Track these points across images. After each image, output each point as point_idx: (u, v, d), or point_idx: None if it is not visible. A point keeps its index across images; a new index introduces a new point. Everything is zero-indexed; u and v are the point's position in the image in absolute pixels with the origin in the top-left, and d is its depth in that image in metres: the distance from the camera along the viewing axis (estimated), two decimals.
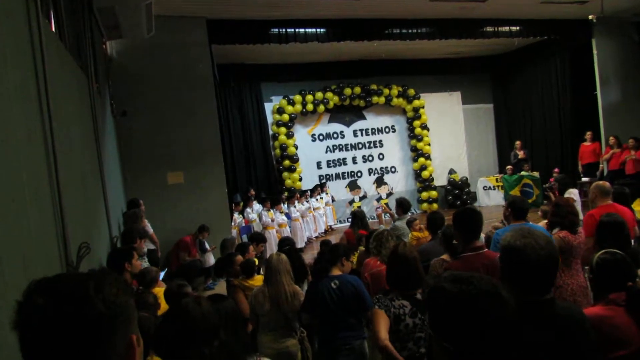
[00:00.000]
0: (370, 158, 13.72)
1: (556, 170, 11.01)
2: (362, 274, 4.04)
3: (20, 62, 2.33)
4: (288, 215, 10.45)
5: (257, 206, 10.21)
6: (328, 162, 13.27)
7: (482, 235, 4.63)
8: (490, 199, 13.20)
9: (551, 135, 12.97)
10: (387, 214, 7.76)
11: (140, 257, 4.62)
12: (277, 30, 8.89)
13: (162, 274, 5.13)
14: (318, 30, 9.19)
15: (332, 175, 13.32)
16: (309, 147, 12.97)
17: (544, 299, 1.69)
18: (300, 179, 12.45)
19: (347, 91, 12.79)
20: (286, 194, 11.38)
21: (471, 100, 14.56)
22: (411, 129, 13.81)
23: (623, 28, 11.02)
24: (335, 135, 13.36)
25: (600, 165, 10.78)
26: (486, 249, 3.03)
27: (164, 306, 3.33)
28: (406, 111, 13.78)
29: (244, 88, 11.98)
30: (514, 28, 10.62)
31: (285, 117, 12.31)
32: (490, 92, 14.88)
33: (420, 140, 13.66)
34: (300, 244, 9.85)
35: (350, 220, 7.26)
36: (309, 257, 7.17)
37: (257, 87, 12.18)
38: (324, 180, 13.02)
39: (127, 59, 7.59)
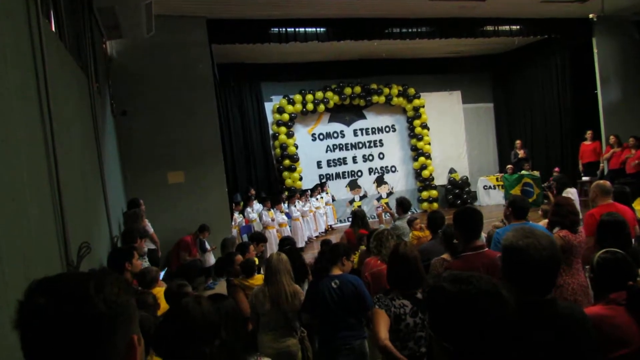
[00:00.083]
0: (371, 157, 13.71)
1: (556, 169, 11.01)
2: (363, 274, 4.04)
3: (21, 62, 2.33)
4: (288, 215, 10.45)
5: (257, 206, 10.21)
6: (328, 161, 13.27)
7: (484, 235, 4.63)
8: (490, 198, 13.20)
9: (551, 135, 12.96)
10: (388, 214, 7.76)
11: (141, 257, 4.62)
12: (277, 29, 8.88)
13: (162, 274, 5.14)
14: (318, 29, 9.19)
15: (332, 174, 13.32)
16: (309, 147, 12.96)
17: (545, 299, 1.69)
18: (301, 179, 12.45)
19: (347, 90, 12.79)
20: (286, 193, 11.37)
21: (471, 99, 14.55)
22: (411, 128, 13.80)
23: (623, 27, 11.01)
24: (335, 135, 13.36)
25: (601, 165, 10.78)
26: (487, 248, 3.03)
27: (164, 306, 3.33)
28: (406, 110, 13.78)
29: (244, 87, 11.98)
30: (514, 27, 10.61)
31: (286, 116, 12.31)
32: (490, 91, 14.88)
33: (420, 139, 13.65)
34: (300, 244, 9.85)
35: (350, 219, 7.26)
36: (309, 256, 7.17)
37: (257, 86, 12.18)
38: (324, 180, 13.02)
39: (127, 58, 7.59)
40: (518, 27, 10.63)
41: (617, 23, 10.76)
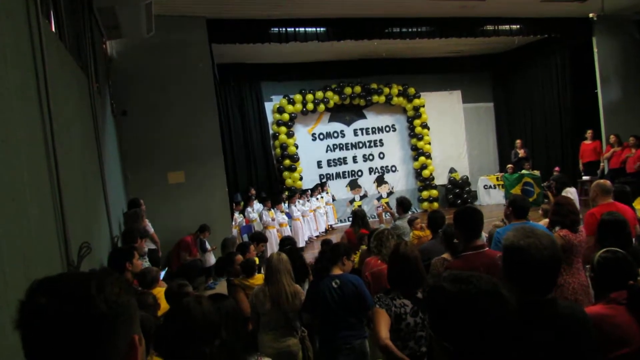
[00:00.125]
0: (371, 157, 13.71)
1: (557, 168, 11.01)
2: (363, 273, 4.04)
3: (21, 62, 2.33)
4: (288, 215, 10.45)
5: (257, 205, 10.21)
6: (328, 161, 13.27)
7: (485, 235, 4.63)
8: (490, 197, 13.20)
9: (552, 134, 12.96)
10: (388, 213, 7.75)
11: (141, 257, 4.62)
12: (277, 29, 8.88)
13: (162, 274, 5.14)
14: (318, 29, 9.18)
15: (332, 174, 13.32)
16: (310, 147, 12.96)
17: (546, 299, 1.68)
18: (301, 178, 12.45)
19: (348, 90, 12.79)
20: (287, 193, 11.38)
21: (471, 99, 14.55)
22: (411, 127, 13.80)
23: (624, 26, 11.00)
24: (335, 135, 13.36)
25: (601, 164, 10.78)
26: (487, 248, 3.03)
27: (164, 306, 3.33)
28: (406, 110, 13.78)
29: (244, 87, 11.98)
30: (514, 26, 10.60)
31: (286, 116, 12.31)
32: (490, 90, 14.87)
33: (420, 139, 13.65)
34: (300, 244, 9.85)
35: (350, 219, 7.26)
36: (309, 256, 7.17)
37: (257, 86, 12.18)
38: (324, 180, 13.03)
39: (127, 58, 7.59)
40: (518, 26, 10.62)
41: (617, 22, 10.75)
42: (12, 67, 2.10)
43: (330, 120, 13.31)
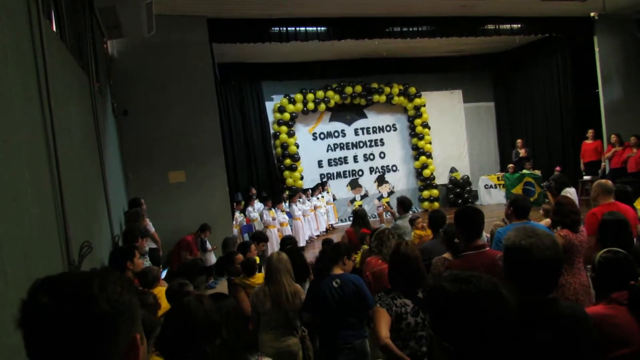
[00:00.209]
0: (372, 157, 13.71)
1: (558, 168, 10.99)
2: (364, 273, 4.04)
3: (22, 62, 2.33)
4: (289, 214, 10.45)
5: (258, 205, 10.22)
6: (329, 160, 13.27)
7: (486, 235, 4.63)
8: (491, 197, 13.19)
9: (553, 134, 12.95)
10: (388, 213, 7.75)
11: (142, 256, 4.62)
12: (277, 28, 8.88)
13: (163, 273, 5.14)
14: (319, 28, 9.18)
15: (333, 174, 13.32)
16: (310, 146, 12.96)
17: (546, 299, 1.68)
18: (302, 178, 12.46)
19: (348, 90, 12.78)
20: (287, 192, 11.38)
21: (472, 98, 14.54)
22: (412, 127, 13.80)
23: (625, 25, 10.99)
24: (336, 134, 13.36)
25: (602, 164, 10.76)
26: (488, 248, 3.03)
27: (164, 306, 3.34)
28: (407, 109, 13.77)
29: (244, 87, 11.99)
30: (515, 26, 10.59)
31: (286, 115, 12.31)
32: (491, 90, 14.86)
33: (421, 138, 13.64)
34: (301, 243, 9.85)
35: (351, 219, 7.26)
36: (310, 255, 7.17)
37: (257, 85, 12.18)
38: (325, 179, 13.03)
39: (128, 58, 7.59)
40: (519, 25, 10.61)
41: (619, 21, 10.74)
42: (13, 66, 2.10)
43: (331, 119, 13.31)
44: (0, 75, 1.91)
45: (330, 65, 12.47)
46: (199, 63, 8.04)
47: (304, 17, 8.98)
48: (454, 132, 14.32)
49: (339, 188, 13.32)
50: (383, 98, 13.23)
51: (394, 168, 13.92)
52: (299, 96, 12.39)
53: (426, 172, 13.62)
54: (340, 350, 3.35)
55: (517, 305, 1.33)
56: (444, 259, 3.71)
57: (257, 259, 4.89)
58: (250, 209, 9.97)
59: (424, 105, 13.63)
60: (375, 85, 13.06)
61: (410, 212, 6.61)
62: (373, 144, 13.73)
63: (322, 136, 13.21)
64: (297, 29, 9.00)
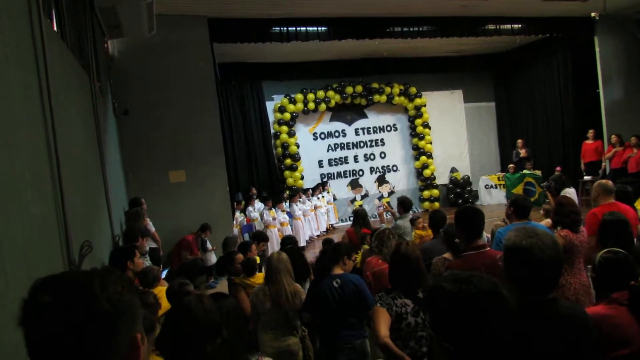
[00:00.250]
0: (372, 157, 13.71)
1: (558, 168, 10.98)
2: (364, 273, 4.04)
3: (23, 62, 2.33)
4: (289, 214, 10.45)
5: (258, 205, 10.22)
6: (329, 160, 13.28)
7: (487, 235, 4.62)
8: (492, 197, 13.19)
9: (553, 134, 12.94)
10: (389, 213, 7.75)
11: (142, 256, 4.63)
12: (278, 28, 8.88)
13: (164, 273, 5.14)
14: (319, 28, 9.18)
15: (333, 173, 13.32)
16: (311, 146, 12.96)
17: (547, 299, 1.68)
18: (302, 178, 12.46)
19: (349, 90, 12.78)
20: (288, 192, 11.38)
21: (473, 98, 14.53)
22: (413, 127, 13.79)
23: (625, 26, 10.98)
24: (336, 134, 13.36)
25: (603, 164, 10.76)
26: (488, 248, 3.03)
27: (165, 305, 3.34)
28: (408, 109, 13.77)
29: (245, 86, 11.99)
30: (515, 26, 10.58)
31: (287, 115, 12.31)
32: (492, 90, 14.85)
33: (421, 138, 13.64)
34: (301, 243, 9.85)
35: (351, 219, 7.25)
36: (310, 255, 7.17)
37: (258, 85, 12.18)
38: (325, 179, 13.03)
39: (128, 57, 7.60)
40: (520, 25, 10.60)
41: (619, 22, 10.73)
42: (14, 66, 2.10)
43: (331, 119, 13.31)
44: (0, 74, 1.91)
45: (330, 65, 12.47)
46: (200, 63, 8.04)
47: (305, 17, 8.98)
48: (454, 132, 14.32)
49: (340, 188, 13.32)
50: (384, 98, 13.23)
51: (395, 168, 13.92)
52: (299, 96, 12.39)
53: (426, 172, 13.61)
54: (340, 350, 3.35)
55: (517, 305, 1.33)
56: (444, 259, 3.71)
57: (258, 259, 4.89)
58: (250, 208, 9.98)
59: (425, 105, 13.62)
60: (375, 85, 13.05)
61: (411, 212, 6.61)
62: (373, 144, 13.73)
63: (322, 136, 13.21)
64: (298, 28, 9.00)
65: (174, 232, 7.67)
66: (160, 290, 3.61)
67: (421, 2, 8.91)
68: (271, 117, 12.42)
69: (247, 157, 11.92)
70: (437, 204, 13.43)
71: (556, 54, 12.50)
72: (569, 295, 3.40)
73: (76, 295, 0.84)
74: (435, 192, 13.68)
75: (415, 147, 13.82)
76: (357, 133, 13.57)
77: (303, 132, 12.87)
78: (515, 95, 14.34)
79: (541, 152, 13.23)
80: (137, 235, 4.75)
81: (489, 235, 4.82)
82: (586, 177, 10.93)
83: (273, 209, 9.85)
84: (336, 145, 13.34)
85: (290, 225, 10.29)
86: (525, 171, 11.60)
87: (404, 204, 6.18)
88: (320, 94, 12.53)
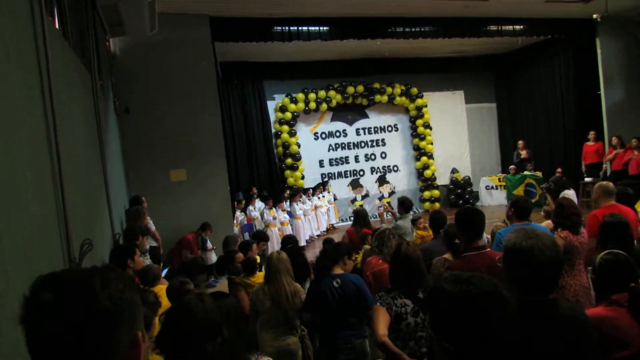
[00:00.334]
0: (373, 157, 13.70)
1: (559, 169, 10.98)
2: (364, 273, 4.04)
3: (24, 60, 2.33)
4: (290, 214, 10.46)
5: (259, 204, 10.22)
6: (330, 160, 13.27)
7: (487, 236, 4.62)
8: (492, 198, 13.18)
9: (554, 135, 12.93)
10: (389, 213, 7.75)
11: (143, 254, 4.63)
12: (280, 28, 8.88)
13: (164, 272, 5.15)
14: (321, 28, 9.18)
15: (334, 173, 13.32)
16: (312, 146, 12.96)
17: (546, 300, 1.68)
18: (303, 177, 12.45)
19: (350, 90, 12.78)
20: (288, 192, 11.38)
21: (474, 99, 14.52)
22: (414, 127, 13.79)
23: (627, 27, 10.96)
24: (337, 134, 13.35)
25: (604, 166, 10.75)
26: (488, 249, 3.03)
27: (165, 304, 3.34)
28: (409, 110, 13.76)
29: (246, 86, 11.99)
30: (517, 27, 10.58)
31: (288, 115, 12.31)
32: (493, 91, 14.84)
33: (422, 139, 13.63)
34: (301, 243, 9.85)
35: (352, 218, 7.25)
36: (310, 255, 7.17)
37: (259, 85, 12.19)
38: (326, 179, 13.02)
39: (130, 56, 7.60)
40: (521, 27, 10.60)
41: (621, 23, 10.72)
42: (16, 64, 2.11)
43: (332, 119, 13.31)
44: (2, 72, 1.91)
45: (332, 65, 12.47)
46: (201, 62, 8.04)
47: (307, 17, 8.98)
48: (455, 133, 14.31)
49: (340, 188, 13.32)
50: (385, 98, 13.23)
51: (395, 168, 13.92)
52: (300, 96, 12.39)
53: (427, 173, 13.61)
54: (340, 350, 3.35)
55: (517, 306, 1.33)
56: (445, 260, 3.71)
57: (258, 258, 4.89)
58: (251, 208, 9.98)
59: (426, 106, 13.61)
60: (377, 85, 13.05)
61: (411, 213, 6.61)
62: (374, 144, 13.73)
63: (323, 136, 13.21)
64: (300, 28, 9.00)
65: (174, 231, 7.67)
66: (161, 289, 3.62)
67: (423, 3, 8.91)
68: (272, 117, 12.42)
69: (248, 157, 11.93)
70: (437, 205, 13.43)
71: (558, 55, 12.49)
72: (569, 297, 3.40)
73: (77, 293, 0.84)
74: (436, 192, 13.68)
75: (416, 148, 13.82)
76: (358, 133, 13.56)
77: (304, 132, 12.87)
78: (517, 96, 14.33)
79: (542, 154, 13.21)
80: (137, 234, 4.75)
81: (489, 237, 4.82)
82: (587, 179, 10.92)
83: (273, 209, 9.85)
84: (337, 145, 13.34)
85: (291, 225, 10.29)
86: (526, 172, 11.59)
87: (405, 205, 6.19)
88: (322, 93, 12.53)
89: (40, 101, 2.56)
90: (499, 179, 13.04)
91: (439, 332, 1.27)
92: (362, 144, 13.61)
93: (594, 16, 9.53)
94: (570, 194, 6.75)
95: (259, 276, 4.19)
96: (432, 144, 13.74)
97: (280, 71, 12.20)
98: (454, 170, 14.09)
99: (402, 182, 13.92)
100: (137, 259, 3.80)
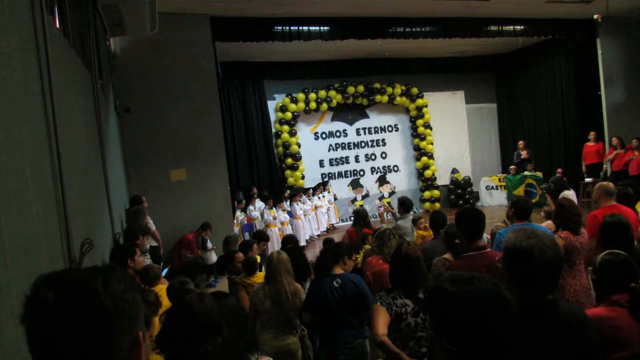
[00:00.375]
0: (373, 157, 13.70)
1: (559, 170, 10.98)
2: (364, 273, 4.04)
3: (25, 59, 2.33)
4: (290, 213, 10.46)
5: (259, 204, 10.22)
6: (331, 160, 13.28)
7: (487, 236, 4.61)
8: (492, 198, 13.18)
9: (555, 135, 12.93)
10: (389, 213, 7.75)
11: (143, 254, 4.63)
12: (280, 28, 8.88)
13: (164, 271, 5.15)
14: (322, 28, 9.18)
15: (334, 173, 13.32)
16: (312, 145, 12.96)
17: (546, 300, 1.68)
18: (303, 177, 12.45)
19: (350, 89, 12.78)
20: (288, 192, 11.38)
21: (475, 99, 14.52)
22: (414, 127, 13.79)
23: (628, 28, 10.96)
24: (338, 134, 13.35)
25: (604, 166, 10.75)
26: (489, 249, 3.03)
27: (165, 304, 3.34)
28: (409, 110, 13.76)
29: (247, 86, 11.99)
30: (518, 27, 10.58)
31: (288, 115, 12.31)
32: (493, 91, 14.84)
33: (423, 139, 13.63)
34: (301, 243, 9.85)
35: (352, 218, 7.25)
36: (310, 255, 7.16)
37: (260, 84, 12.18)
38: (326, 179, 13.02)
39: (130, 56, 7.60)
40: (522, 27, 10.60)
41: (622, 24, 10.71)
42: (16, 63, 2.10)
43: (332, 119, 13.31)
44: (3, 71, 1.91)
45: (332, 64, 12.47)
46: (202, 61, 8.05)
47: (307, 17, 8.98)
48: (455, 133, 14.31)
49: (340, 188, 13.32)
50: (385, 98, 13.22)
51: (396, 168, 13.92)
52: (301, 95, 12.39)
53: (427, 173, 13.61)
54: (340, 350, 3.35)
55: (517, 306, 1.33)
56: (445, 260, 3.71)
57: (258, 258, 4.89)
58: (251, 207, 9.98)
59: (426, 106, 13.61)
60: (377, 85, 13.05)
61: (411, 213, 6.61)
62: (375, 144, 13.73)
63: (323, 136, 13.21)
64: (300, 28, 9.00)
65: (174, 231, 7.68)
66: (161, 289, 3.62)
67: (424, 3, 8.91)
68: (273, 117, 12.42)
69: (248, 156, 11.93)
70: (437, 205, 13.43)
71: (558, 55, 12.49)
72: (569, 297, 3.40)
73: (79, 292, 0.84)
74: (436, 192, 13.68)
75: (417, 148, 13.82)
76: (358, 133, 13.56)
77: (304, 132, 12.87)
78: (517, 97, 14.33)
79: (542, 154, 13.21)
80: (137, 234, 4.76)
81: (489, 237, 4.82)
82: (587, 179, 10.92)
83: (274, 208, 9.85)
84: (337, 145, 13.33)
85: (291, 225, 10.29)
86: (526, 173, 11.59)
87: (405, 205, 6.19)
88: (322, 93, 12.53)
89: (41, 101, 2.56)
90: (499, 179, 13.04)
91: (439, 332, 1.27)
92: (363, 144, 13.61)
93: (595, 17, 9.53)
94: (569, 194, 6.74)
95: (259, 276, 4.19)
96: (432, 144, 13.74)
97: (281, 71, 12.20)
98: (454, 171, 14.08)
99: (402, 182, 13.92)
100: (138, 258, 3.81)
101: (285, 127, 12.29)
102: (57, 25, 3.59)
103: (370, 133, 13.66)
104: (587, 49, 11.34)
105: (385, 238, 4.01)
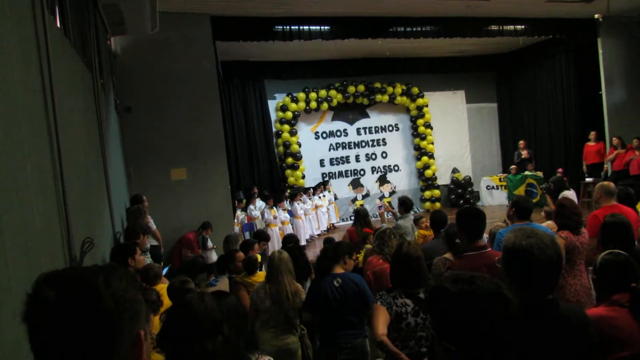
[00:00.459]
0: (374, 156, 13.70)
1: (560, 170, 10.97)
2: (365, 272, 4.04)
3: (25, 58, 2.33)
4: (290, 213, 10.46)
5: (260, 203, 10.22)
6: (331, 160, 13.28)
7: (486, 236, 4.61)
8: (493, 198, 13.17)
9: (555, 135, 12.92)
10: (390, 213, 7.75)
11: (143, 253, 4.63)
12: (281, 27, 8.88)
13: (164, 270, 5.15)
14: (322, 27, 9.18)
15: (335, 173, 13.32)
16: (312, 145, 12.97)
17: (546, 300, 1.68)
18: (303, 177, 12.46)
19: (351, 89, 12.78)
20: (289, 191, 11.38)
21: (475, 99, 14.51)
22: (415, 127, 13.79)
23: (629, 28, 10.94)
24: (338, 133, 13.35)
25: (605, 166, 10.74)
26: (489, 249, 3.03)
27: (166, 303, 3.34)
28: (410, 109, 13.76)
29: (247, 85, 11.99)
30: (518, 27, 10.57)
31: (289, 114, 12.31)
32: (494, 91, 14.83)
33: (423, 138, 13.63)
34: (302, 242, 9.84)
35: (352, 218, 7.25)
36: (310, 254, 7.16)
37: (260, 84, 12.19)
38: (326, 178, 13.03)
39: (131, 55, 7.60)
40: (523, 26, 10.59)
41: (623, 24, 10.70)
42: (17, 62, 2.11)
43: (333, 119, 13.31)
44: (4, 70, 1.91)
45: (333, 64, 12.47)
46: (202, 61, 8.05)
47: (308, 16, 8.97)
48: (456, 133, 14.30)
49: (341, 187, 13.32)
50: (386, 98, 13.22)
51: (396, 168, 13.92)
52: (301, 95, 12.39)
53: (428, 173, 13.60)
54: (340, 349, 3.35)
55: (517, 306, 1.33)
56: (445, 259, 3.71)
57: (259, 257, 4.89)
58: (251, 207, 9.98)
59: (427, 106, 13.61)
60: (378, 84, 13.04)
61: (412, 212, 6.60)
62: (375, 143, 13.73)
63: (324, 135, 13.22)
64: (301, 27, 9.00)
65: (174, 230, 7.68)
66: (162, 288, 3.62)
67: (424, 2, 8.91)
68: (273, 116, 12.42)
69: (249, 156, 11.93)
70: (438, 205, 13.43)
71: (559, 55, 12.48)
72: (569, 297, 3.39)
73: (80, 291, 0.84)
74: (437, 192, 13.67)
75: (417, 147, 13.81)
76: (358, 132, 13.56)
77: (305, 131, 12.88)
78: (518, 96, 14.32)
79: (543, 154, 13.21)
80: (138, 233, 4.76)
81: (488, 237, 4.81)
82: (588, 179, 10.92)
83: (274, 208, 9.85)
84: (338, 145, 13.34)
85: (291, 224, 10.29)
86: (526, 172, 11.59)
87: (405, 204, 6.18)
88: (323, 93, 12.52)
89: (41, 99, 2.56)
90: (500, 179, 13.04)
91: (439, 331, 1.27)
92: (363, 144, 13.61)
93: (596, 16, 9.53)
94: (569, 194, 6.73)
95: (260, 275, 4.19)
96: (432, 143, 13.74)
97: (281, 70, 12.20)
98: (454, 170, 14.08)
99: (402, 181, 13.92)
100: (138, 257, 3.81)
101: (286, 127, 12.29)
102: (58, 25, 3.60)
103: (370, 132, 13.66)
104: (588, 49, 11.33)
105: (386, 238, 4.01)
